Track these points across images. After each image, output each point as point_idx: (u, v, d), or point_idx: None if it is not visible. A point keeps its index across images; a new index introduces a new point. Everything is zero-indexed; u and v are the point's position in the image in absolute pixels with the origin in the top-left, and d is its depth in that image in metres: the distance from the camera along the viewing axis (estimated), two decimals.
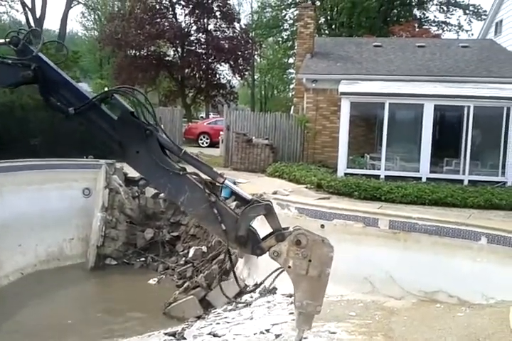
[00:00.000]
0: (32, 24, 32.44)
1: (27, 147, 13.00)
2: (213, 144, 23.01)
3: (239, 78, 32.73)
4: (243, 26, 30.87)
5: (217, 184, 3.81)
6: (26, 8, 33.73)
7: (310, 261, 3.37)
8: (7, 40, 3.64)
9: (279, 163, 13.29)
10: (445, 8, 33.79)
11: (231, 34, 28.46)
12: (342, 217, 7.87)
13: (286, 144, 14.54)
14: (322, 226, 7.86)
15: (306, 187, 10.64)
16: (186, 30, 28.10)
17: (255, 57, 39.41)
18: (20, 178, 10.97)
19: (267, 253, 3.39)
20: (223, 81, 30.47)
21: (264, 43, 39.64)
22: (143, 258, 11.15)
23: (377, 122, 13.14)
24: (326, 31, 33.91)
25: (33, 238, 10.46)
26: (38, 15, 33.40)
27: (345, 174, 11.60)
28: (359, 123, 13.47)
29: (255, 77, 46.18)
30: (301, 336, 3.28)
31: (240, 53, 28.12)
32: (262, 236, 3.45)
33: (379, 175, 11.59)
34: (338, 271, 7.41)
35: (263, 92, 50.04)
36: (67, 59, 15.33)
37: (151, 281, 10.00)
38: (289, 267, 3.41)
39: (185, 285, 8.97)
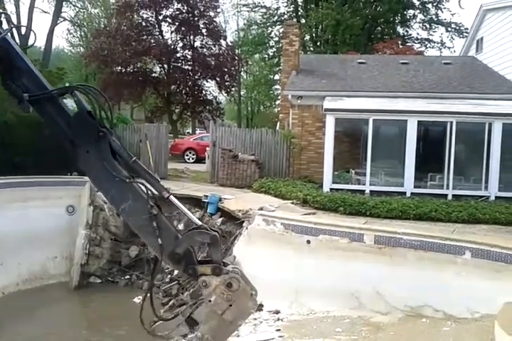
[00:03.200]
0: (17, 40, 32.38)
1: (10, 164, 12.85)
2: (199, 160, 22.99)
3: (225, 94, 32.90)
4: (229, 43, 31.19)
5: (164, 199, 3.78)
6: (11, 24, 33.65)
7: (231, 305, 3.40)
8: None
9: (265, 178, 13.30)
10: (428, 26, 34.46)
11: (217, 51, 28.69)
12: (328, 232, 7.89)
13: (272, 160, 14.58)
14: (308, 241, 7.88)
15: (292, 203, 10.64)
16: (172, 47, 28.27)
17: (241, 73, 39.76)
18: (3, 196, 10.83)
19: (203, 273, 3.41)
20: (209, 97, 30.61)
21: (250, 60, 40.02)
22: (128, 276, 10.99)
23: (362, 138, 13.25)
24: (311, 48, 34.35)
25: (16, 256, 10.28)
26: (23, 32, 33.41)
27: (331, 189, 11.63)
28: (344, 139, 13.58)
29: (241, 93, 46.43)
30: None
31: (226, 70, 28.34)
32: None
33: (364, 190, 11.65)
34: (324, 287, 7.46)
35: (249, 108, 50.30)
36: (52, 75, 15.28)
37: (135, 299, 9.83)
38: (210, 301, 3.42)
39: (171, 303, 8.84)
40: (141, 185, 3.82)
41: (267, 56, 39.48)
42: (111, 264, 11.21)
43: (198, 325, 8.42)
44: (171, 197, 4.13)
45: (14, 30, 33.48)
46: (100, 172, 3.86)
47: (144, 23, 28.35)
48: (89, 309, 9.83)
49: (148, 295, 3.97)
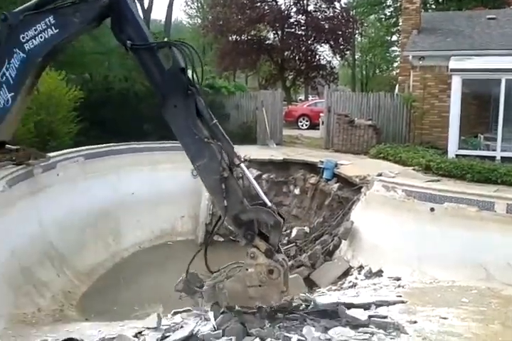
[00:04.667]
0: (141, 15, 34.24)
1: (140, 131, 13.94)
2: (313, 126, 22.90)
3: (339, 58, 32.08)
4: (343, 5, 30.10)
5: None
6: (136, 1, 35.63)
7: (260, 286, 3.38)
8: None
9: (383, 144, 12.92)
10: None
11: (331, 14, 27.89)
12: (454, 200, 7.52)
13: (391, 125, 14.07)
14: (432, 209, 7.59)
15: (414, 169, 10.25)
16: (286, 12, 28.01)
17: (356, 36, 38.25)
18: (136, 160, 11.84)
19: (257, 246, 3.45)
20: (323, 62, 30.06)
21: (366, 21, 38.23)
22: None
23: (492, 100, 12.22)
24: (433, 6, 31.89)
25: (148, 215, 11.23)
26: (145, 7, 35.17)
27: (457, 155, 11.02)
28: (471, 102, 12.62)
29: (356, 56, 44.85)
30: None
31: (340, 33, 27.52)
32: None
33: (494, 157, 10.86)
34: (449, 256, 7.18)
35: (364, 72, 48.54)
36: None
37: None
38: (247, 269, 3.43)
39: (289, 263, 9.14)
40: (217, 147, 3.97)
41: (383, 16, 37.46)
42: None
43: (316, 286, 8.52)
44: (242, 165, 4.24)
45: (138, 3, 35.47)
46: (183, 127, 4.07)
47: None
48: (213, 264, 10.48)
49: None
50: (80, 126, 13.56)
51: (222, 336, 5.32)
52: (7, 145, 8.45)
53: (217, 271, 4.85)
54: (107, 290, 8.60)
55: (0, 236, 7.13)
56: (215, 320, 4.65)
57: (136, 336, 5.44)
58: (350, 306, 5.73)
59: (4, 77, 6.71)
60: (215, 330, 5.36)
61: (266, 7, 27.72)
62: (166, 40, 4.76)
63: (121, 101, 14.96)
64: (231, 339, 5.20)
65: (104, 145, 11.74)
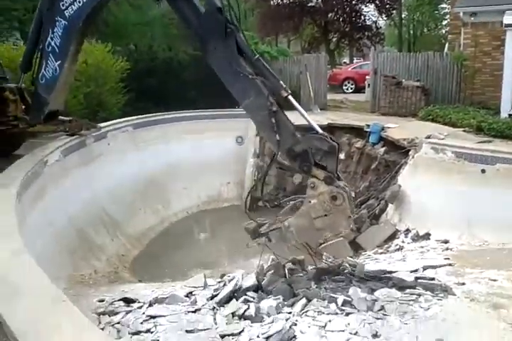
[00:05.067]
0: None
1: (185, 99, 14.08)
2: (358, 89, 22.35)
3: (385, 18, 30.80)
4: None
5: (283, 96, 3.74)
6: None
7: (326, 215, 3.32)
8: None
9: (431, 106, 12.48)
10: None
11: None
12: (507, 161, 7.24)
13: (440, 85, 13.52)
14: (483, 171, 7.35)
15: (464, 131, 9.89)
16: None
17: None
18: (182, 128, 12.02)
19: (316, 175, 3.36)
20: (368, 22, 28.99)
21: None
22: (293, 202, 11.59)
23: None
24: None
25: (195, 182, 11.48)
26: None
27: (510, 115, 10.52)
28: None
29: (403, 15, 42.86)
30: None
31: None
32: None
33: None
34: (500, 219, 7.00)
35: (411, 31, 46.43)
36: None
37: None
38: (309, 202, 3.37)
39: None
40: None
41: None
42: (277, 190, 11.92)
43: (362, 249, 8.57)
44: (290, 97, 4.16)
45: None
46: (226, 67, 4.03)
47: None
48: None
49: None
50: (128, 97, 13.84)
51: (269, 296, 5.51)
52: (60, 117, 8.79)
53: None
54: (158, 253, 8.96)
55: (57, 204, 7.51)
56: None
57: (187, 296, 5.69)
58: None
59: (50, 47, 6.96)
60: (259, 289, 5.54)
61: None
62: None
63: (165, 71, 15.08)
64: (278, 298, 5.37)
65: (152, 114, 11.97)
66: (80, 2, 6.36)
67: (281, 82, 4.18)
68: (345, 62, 40.24)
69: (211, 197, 11.82)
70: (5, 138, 8.01)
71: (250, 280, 5.64)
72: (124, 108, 13.72)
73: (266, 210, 11.50)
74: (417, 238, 7.72)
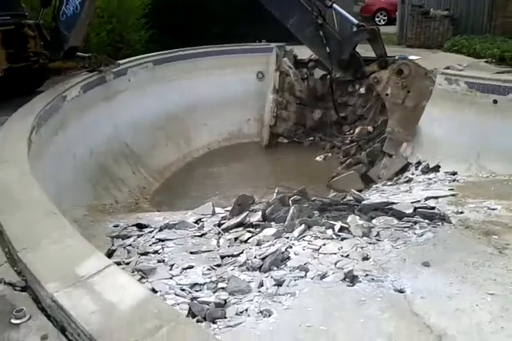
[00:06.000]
0: None
1: (208, 34, 13.93)
2: (392, 21, 21.28)
3: None
4: None
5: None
6: None
7: (408, 92, 3.37)
8: None
9: (459, 36, 11.93)
10: None
11: None
12: None
13: (471, 14, 12.77)
14: (495, 101, 7.18)
15: (486, 61, 9.51)
16: None
17: None
18: (204, 64, 12.01)
19: (371, 70, 3.42)
20: None
21: None
22: (311, 138, 11.70)
23: None
24: None
25: (216, 118, 11.66)
26: None
27: None
28: None
29: None
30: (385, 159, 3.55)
31: None
32: None
33: None
34: (509, 150, 6.94)
35: None
36: None
37: (318, 158, 10.60)
38: (387, 95, 3.45)
39: (348, 161, 9.32)
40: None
41: None
42: (296, 126, 11.98)
43: (373, 182, 8.75)
44: (334, 5, 4.18)
45: None
46: None
47: None
48: (277, 163, 10.91)
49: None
50: (150, 33, 13.79)
51: (272, 222, 5.83)
52: (79, 53, 8.98)
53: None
54: (178, 186, 9.40)
55: (79, 137, 7.92)
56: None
57: (196, 222, 6.09)
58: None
59: None
60: (264, 220, 5.87)
61: None
62: None
63: (188, 5, 14.82)
64: (280, 226, 5.69)
65: (172, 50, 11.96)
66: None
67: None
68: None
69: (232, 133, 12.03)
70: (27, 74, 8.32)
71: (257, 216, 5.92)
72: (147, 44, 13.74)
73: (285, 146, 11.77)
74: (426, 170, 7.77)
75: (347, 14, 3.92)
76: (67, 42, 8.05)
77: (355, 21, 3.75)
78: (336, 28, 4.41)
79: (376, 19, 22.47)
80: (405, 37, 13.52)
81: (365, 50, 6.55)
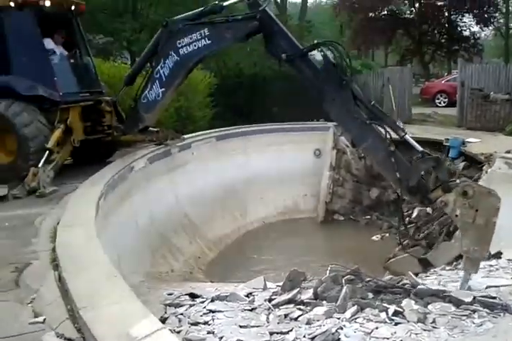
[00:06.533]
0: None
1: (268, 113, 14.67)
2: (452, 103, 21.45)
3: (484, 28, 29.38)
4: None
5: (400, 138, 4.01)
6: None
7: (477, 210, 3.41)
8: None
9: None
10: None
11: None
12: None
13: None
14: None
15: None
16: None
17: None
18: (263, 140, 12.57)
19: (437, 196, 3.52)
20: (466, 33, 27.86)
21: None
22: (368, 216, 11.63)
23: None
24: None
25: (272, 192, 11.92)
26: None
27: None
28: None
29: (510, 25, 40.32)
30: (468, 278, 3.46)
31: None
32: None
33: None
34: None
35: None
36: (301, 28, 16.39)
37: (374, 238, 10.44)
38: (456, 216, 3.48)
39: (405, 243, 9.10)
40: (379, 127, 4.27)
41: None
42: (353, 204, 11.99)
43: (431, 266, 8.52)
44: (407, 136, 4.42)
45: None
46: (343, 115, 4.44)
47: None
48: (332, 241, 10.84)
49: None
50: (215, 111, 14.71)
51: (323, 301, 5.74)
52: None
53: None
54: (232, 258, 9.48)
55: (141, 206, 8.34)
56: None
57: (247, 296, 6.11)
58: None
59: (158, 74, 7.74)
60: (315, 298, 5.80)
61: None
62: (315, 42, 5.27)
63: (251, 86, 15.83)
64: (332, 305, 5.59)
65: (234, 127, 12.67)
66: (195, 46, 6.85)
67: (397, 122, 4.61)
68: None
69: (287, 207, 12.18)
70: (100, 145, 9.05)
71: (309, 294, 5.88)
72: (211, 121, 14.60)
73: (341, 223, 11.72)
74: (487, 256, 7.46)
75: (413, 141, 4.17)
76: (142, 123, 8.58)
77: (420, 148, 3.99)
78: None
79: (436, 101, 22.82)
80: (465, 119, 13.61)
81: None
